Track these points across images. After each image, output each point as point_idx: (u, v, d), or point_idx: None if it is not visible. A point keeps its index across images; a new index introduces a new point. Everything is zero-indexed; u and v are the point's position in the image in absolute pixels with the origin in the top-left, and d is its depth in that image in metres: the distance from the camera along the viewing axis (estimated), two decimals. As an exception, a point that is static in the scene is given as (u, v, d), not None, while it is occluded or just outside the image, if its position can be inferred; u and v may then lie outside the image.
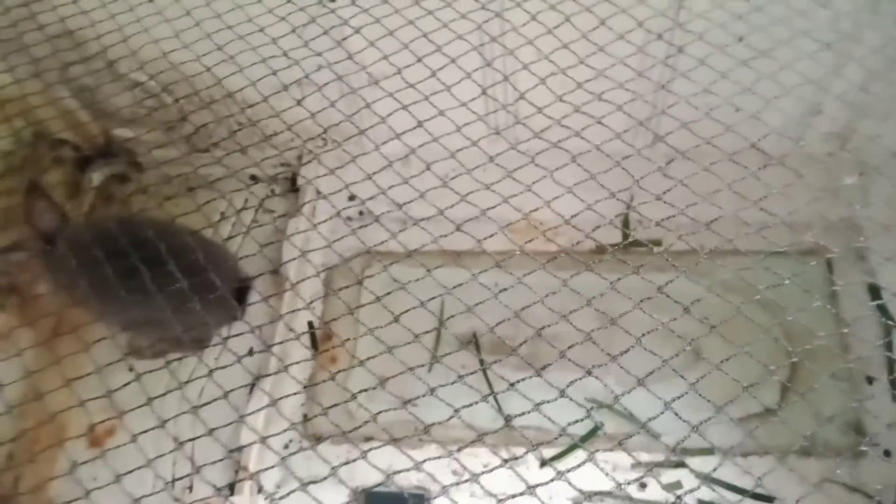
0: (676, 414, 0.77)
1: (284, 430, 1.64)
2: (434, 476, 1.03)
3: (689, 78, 1.03)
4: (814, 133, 1.53)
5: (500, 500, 0.76)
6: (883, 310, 1.56)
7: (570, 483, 0.75)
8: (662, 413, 0.78)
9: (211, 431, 0.91)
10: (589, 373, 0.83)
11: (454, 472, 1.65)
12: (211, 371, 1.00)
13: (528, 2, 1.17)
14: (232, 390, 1.04)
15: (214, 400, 1.01)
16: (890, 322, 1.51)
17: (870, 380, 1.61)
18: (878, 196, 0.88)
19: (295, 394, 1.08)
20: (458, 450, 1.68)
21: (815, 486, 0.92)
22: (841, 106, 1.07)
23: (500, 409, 1.62)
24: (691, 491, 0.83)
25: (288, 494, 0.91)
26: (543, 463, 1.56)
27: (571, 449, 1.54)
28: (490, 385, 1.65)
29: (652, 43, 1.11)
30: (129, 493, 0.86)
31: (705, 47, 1.04)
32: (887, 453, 1.53)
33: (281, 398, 1.44)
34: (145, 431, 0.93)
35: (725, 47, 1.03)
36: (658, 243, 1.70)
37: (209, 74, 1.19)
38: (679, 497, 0.77)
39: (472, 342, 1.77)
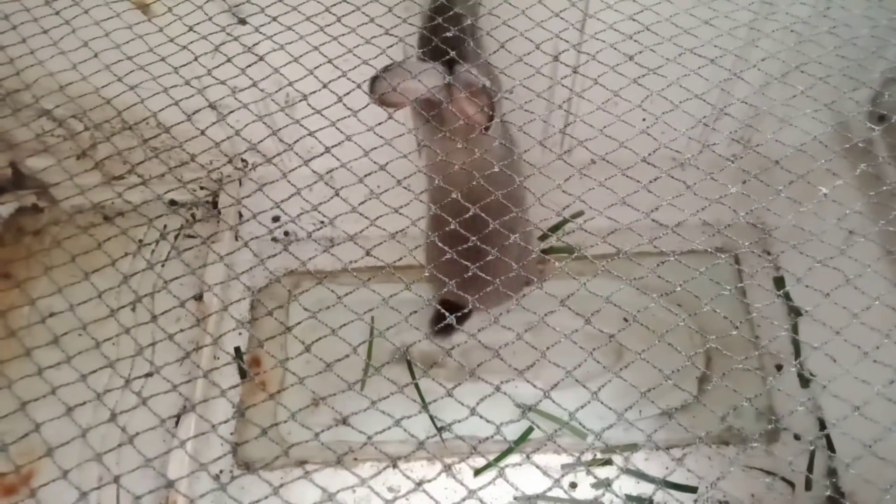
0: (602, 402, 0.79)
1: (217, 459, 1.59)
2: (371, 492, 1.01)
3: (602, 84, 1.08)
4: (721, 135, 1.63)
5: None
6: (788, 298, 1.68)
7: (509, 482, 0.76)
8: (588, 402, 0.80)
9: (149, 462, 0.86)
10: (521, 373, 0.84)
11: (390, 489, 1.64)
12: (144, 400, 0.95)
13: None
14: (160, 422, 0.99)
15: (146, 430, 0.96)
16: (794, 308, 1.62)
17: (779, 367, 1.72)
18: (782, 192, 0.95)
19: (225, 421, 1.04)
20: (394, 466, 1.70)
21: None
22: (743, 108, 1.15)
23: (433, 421, 1.62)
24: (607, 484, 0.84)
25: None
26: (477, 472, 1.58)
27: (505, 454, 1.56)
28: (422, 397, 1.65)
29: (564, 53, 1.15)
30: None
31: (614, 56, 1.10)
32: (797, 437, 1.63)
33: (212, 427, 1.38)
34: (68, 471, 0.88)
35: (633, 56, 1.09)
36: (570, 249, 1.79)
37: (122, 99, 1.15)
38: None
39: (404, 355, 1.77)
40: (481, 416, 0.82)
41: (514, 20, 1.14)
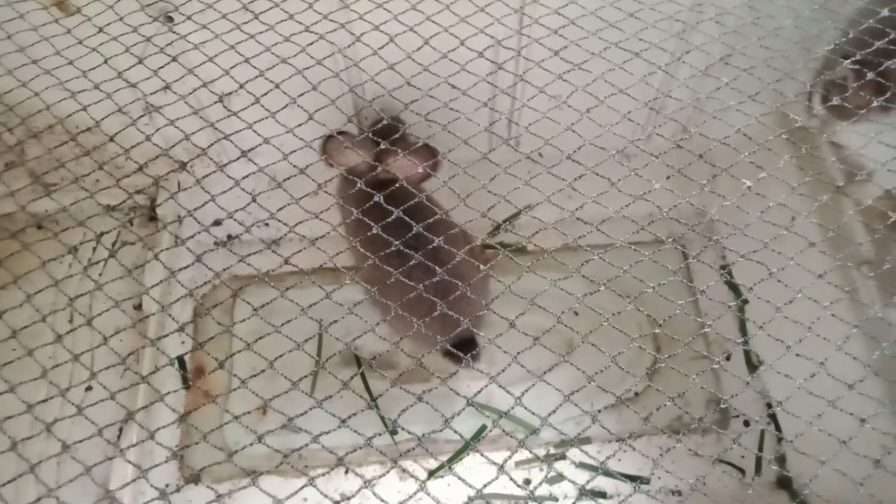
0: (525, 407, 0.77)
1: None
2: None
3: (532, 84, 1.06)
4: (658, 129, 1.62)
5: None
6: (732, 286, 1.70)
7: (429, 494, 0.74)
8: (513, 407, 0.78)
9: (51, 492, 0.82)
10: (444, 381, 0.82)
11: (342, 496, 1.60)
12: (47, 427, 0.90)
13: (373, 12, 1.16)
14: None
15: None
16: (738, 295, 1.63)
17: (728, 357, 1.73)
18: (719, 184, 0.94)
19: (142, 440, 0.99)
20: (346, 471, 1.68)
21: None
22: (677, 103, 1.14)
23: (384, 421, 1.59)
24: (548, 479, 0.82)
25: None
26: (431, 473, 1.56)
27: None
28: (371, 395, 1.63)
29: (494, 50, 1.12)
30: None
31: (543, 52, 1.07)
32: (747, 423, 1.64)
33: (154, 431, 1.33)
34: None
35: (560, 50, 1.06)
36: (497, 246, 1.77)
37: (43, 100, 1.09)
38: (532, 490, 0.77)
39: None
40: (405, 430, 0.79)
41: (438, 15, 1.11)
